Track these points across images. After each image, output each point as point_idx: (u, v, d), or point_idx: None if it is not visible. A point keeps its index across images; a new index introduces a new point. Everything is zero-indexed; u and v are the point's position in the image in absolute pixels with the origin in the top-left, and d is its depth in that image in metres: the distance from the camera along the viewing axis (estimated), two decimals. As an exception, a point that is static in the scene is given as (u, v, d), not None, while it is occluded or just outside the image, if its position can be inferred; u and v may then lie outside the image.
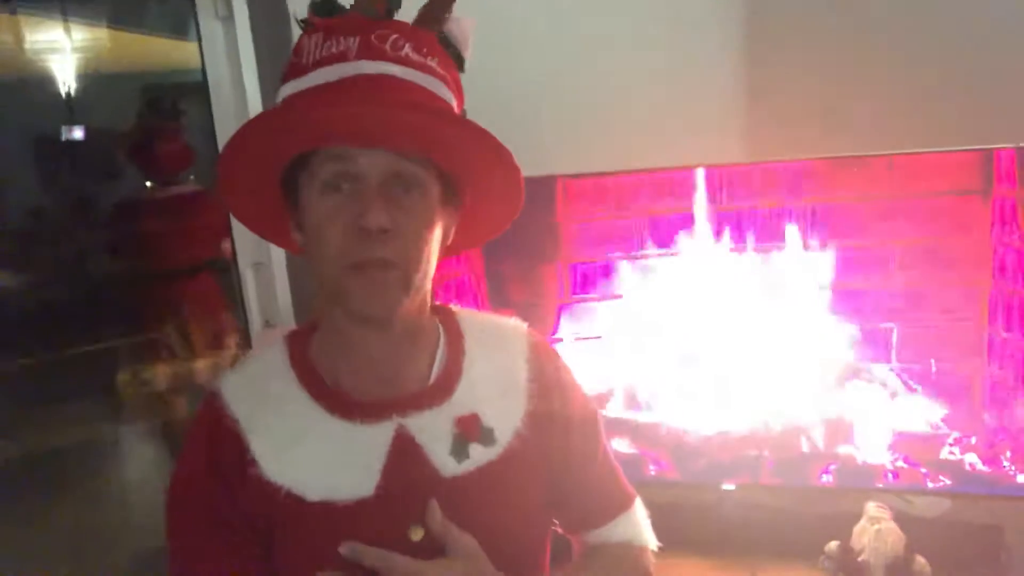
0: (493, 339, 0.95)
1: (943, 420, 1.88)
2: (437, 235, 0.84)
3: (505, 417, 0.90)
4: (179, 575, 0.87)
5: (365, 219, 0.77)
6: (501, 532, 0.89)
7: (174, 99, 2.73)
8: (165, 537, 0.87)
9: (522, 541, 0.93)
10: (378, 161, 0.79)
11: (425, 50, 0.82)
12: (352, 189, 0.79)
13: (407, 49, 0.80)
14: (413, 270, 0.82)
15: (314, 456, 0.84)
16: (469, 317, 0.97)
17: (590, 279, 2.10)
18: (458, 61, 0.87)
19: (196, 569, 0.86)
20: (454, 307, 0.98)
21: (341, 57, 0.79)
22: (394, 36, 0.80)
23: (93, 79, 2.94)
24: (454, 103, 0.85)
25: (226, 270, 2.43)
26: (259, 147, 0.82)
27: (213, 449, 0.86)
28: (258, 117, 0.82)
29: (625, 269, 2.06)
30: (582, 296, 2.10)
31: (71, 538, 2.54)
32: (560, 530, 1.02)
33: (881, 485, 1.79)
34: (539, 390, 0.93)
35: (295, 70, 0.82)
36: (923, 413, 1.89)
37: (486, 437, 0.88)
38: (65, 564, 2.36)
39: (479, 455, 0.87)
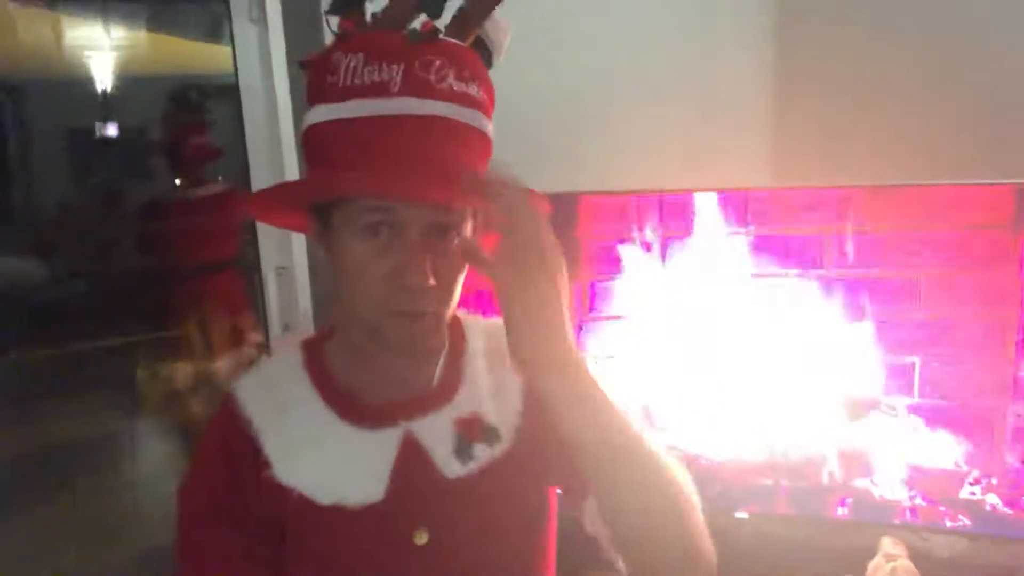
0: (494, 340, 0.95)
1: (964, 458, 1.85)
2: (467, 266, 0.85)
3: (506, 414, 0.90)
4: (187, 574, 0.87)
5: (409, 278, 0.77)
6: (507, 529, 0.89)
7: (199, 94, 2.77)
8: (175, 535, 0.88)
9: (528, 537, 0.93)
10: (419, 213, 0.78)
11: (467, 74, 0.80)
12: (392, 235, 0.79)
13: (451, 79, 0.78)
14: (446, 310, 0.84)
15: (325, 460, 0.85)
16: (473, 322, 0.98)
17: (608, 298, 2.09)
18: (488, 61, 0.86)
19: (204, 570, 0.86)
20: (460, 313, 0.97)
21: (383, 90, 0.77)
22: (437, 63, 0.78)
23: (128, 79, 2.98)
24: (490, 128, 0.84)
25: (250, 270, 2.45)
26: (296, 195, 0.85)
27: (228, 450, 0.87)
28: (301, 184, 0.83)
29: (644, 289, 2.05)
30: (599, 315, 2.09)
31: (82, 529, 2.56)
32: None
33: (898, 521, 1.76)
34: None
35: (331, 92, 0.79)
36: (944, 450, 1.86)
37: (490, 436, 0.88)
38: (75, 554, 2.38)
39: (483, 454, 0.87)
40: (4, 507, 2.48)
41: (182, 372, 2.69)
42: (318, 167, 0.82)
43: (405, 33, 0.79)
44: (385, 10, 0.82)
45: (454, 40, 0.82)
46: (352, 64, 0.78)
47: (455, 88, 0.78)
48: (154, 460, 3.03)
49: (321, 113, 0.80)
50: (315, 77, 0.82)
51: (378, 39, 0.79)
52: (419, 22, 0.82)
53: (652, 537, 0.79)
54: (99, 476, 2.88)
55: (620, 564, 0.85)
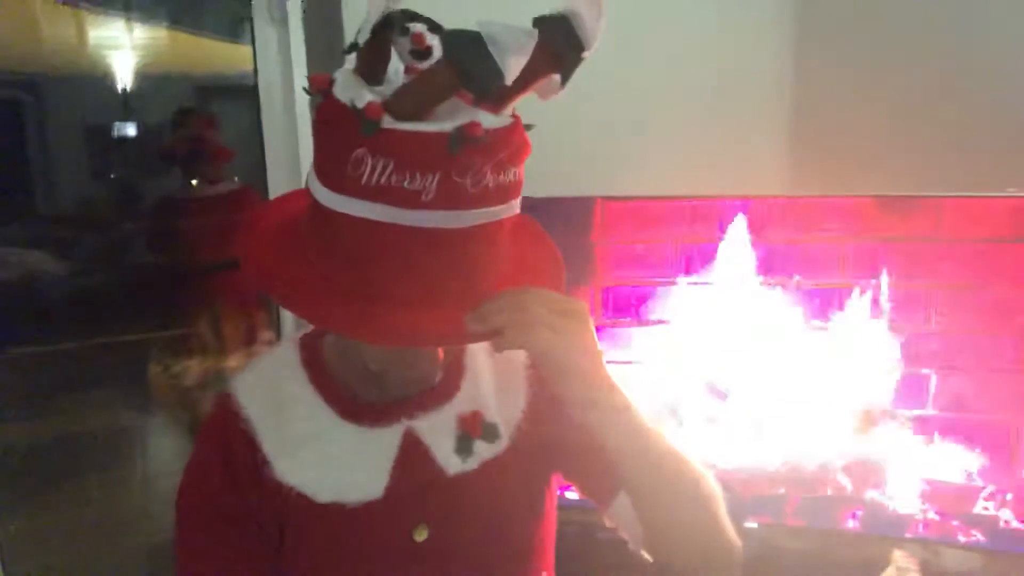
0: None
1: (979, 473, 1.83)
2: None
3: (507, 410, 0.90)
4: (186, 573, 0.87)
5: (419, 368, 0.82)
6: (506, 525, 0.89)
7: (214, 95, 2.81)
8: (174, 533, 0.87)
9: (527, 532, 0.93)
10: None
11: (505, 160, 0.70)
12: None
13: (488, 177, 0.69)
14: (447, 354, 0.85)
15: (325, 458, 0.85)
16: None
17: (622, 303, 2.08)
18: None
19: (203, 568, 0.86)
20: None
21: (414, 200, 0.68)
22: (477, 163, 0.68)
23: (149, 77, 3.01)
24: (518, 204, 0.77)
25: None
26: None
27: (226, 448, 0.86)
28: (317, 316, 0.74)
29: (658, 296, 2.04)
30: (613, 319, 2.09)
31: (93, 523, 2.57)
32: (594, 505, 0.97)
33: (910, 535, 1.74)
34: (537, 374, 0.91)
35: (353, 187, 0.69)
36: (958, 464, 1.84)
37: (490, 433, 0.88)
38: (83, 547, 2.39)
39: (484, 451, 0.87)
40: (17, 499, 2.49)
41: (194, 369, 2.70)
42: (338, 256, 0.73)
43: (447, 139, 0.67)
44: (415, 82, 0.69)
45: (494, 124, 0.69)
46: (380, 167, 0.68)
47: (491, 187, 0.70)
48: (163, 455, 3.05)
49: (338, 201, 0.71)
50: (332, 162, 0.71)
51: (411, 143, 0.67)
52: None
53: (690, 534, 0.84)
54: (111, 470, 2.89)
55: (648, 558, 0.89)
